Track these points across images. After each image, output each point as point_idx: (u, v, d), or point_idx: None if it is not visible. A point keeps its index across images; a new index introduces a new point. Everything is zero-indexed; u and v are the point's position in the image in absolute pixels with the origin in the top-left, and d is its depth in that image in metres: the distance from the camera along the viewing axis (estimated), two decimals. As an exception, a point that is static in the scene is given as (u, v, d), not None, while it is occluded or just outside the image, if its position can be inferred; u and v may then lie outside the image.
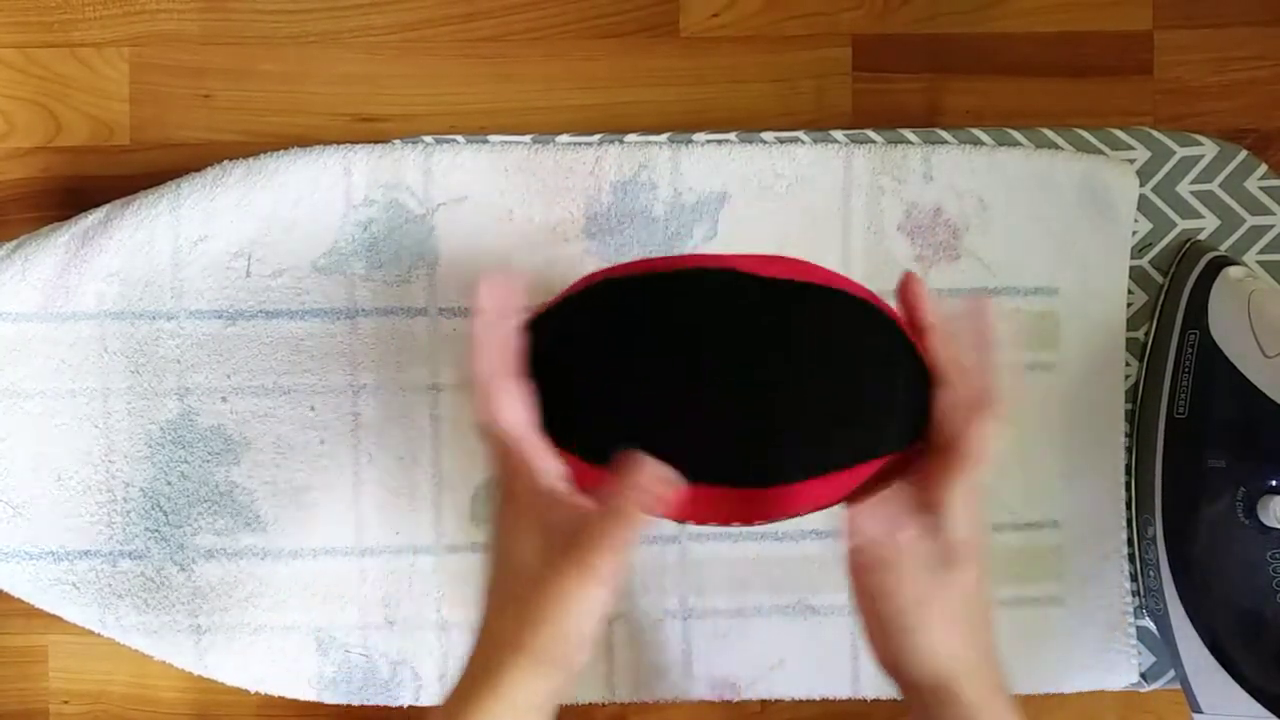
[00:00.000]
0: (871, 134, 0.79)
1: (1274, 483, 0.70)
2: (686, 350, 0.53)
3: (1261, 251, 0.79)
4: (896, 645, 0.55)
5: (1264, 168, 0.79)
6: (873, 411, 0.54)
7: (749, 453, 0.53)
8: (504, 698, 0.52)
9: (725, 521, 0.56)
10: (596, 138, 0.78)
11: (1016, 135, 0.79)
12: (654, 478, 0.52)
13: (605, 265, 0.62)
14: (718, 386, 0.53)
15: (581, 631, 0.52)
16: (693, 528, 0.78)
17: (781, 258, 0.57)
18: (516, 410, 0.54)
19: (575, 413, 0.55)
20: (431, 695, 0.78)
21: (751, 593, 0.78)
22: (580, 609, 0.52)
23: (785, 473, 0.53)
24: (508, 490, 0.55)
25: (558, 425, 0.55)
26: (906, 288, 0.58)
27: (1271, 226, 0.79)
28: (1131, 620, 0.79)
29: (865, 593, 0.56)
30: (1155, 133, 0.79)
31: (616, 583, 0.52)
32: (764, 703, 0.83)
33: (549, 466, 0.54)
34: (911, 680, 0.56)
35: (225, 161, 0.76)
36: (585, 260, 0.77)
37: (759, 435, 0.53)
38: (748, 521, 0.56)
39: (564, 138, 0.78)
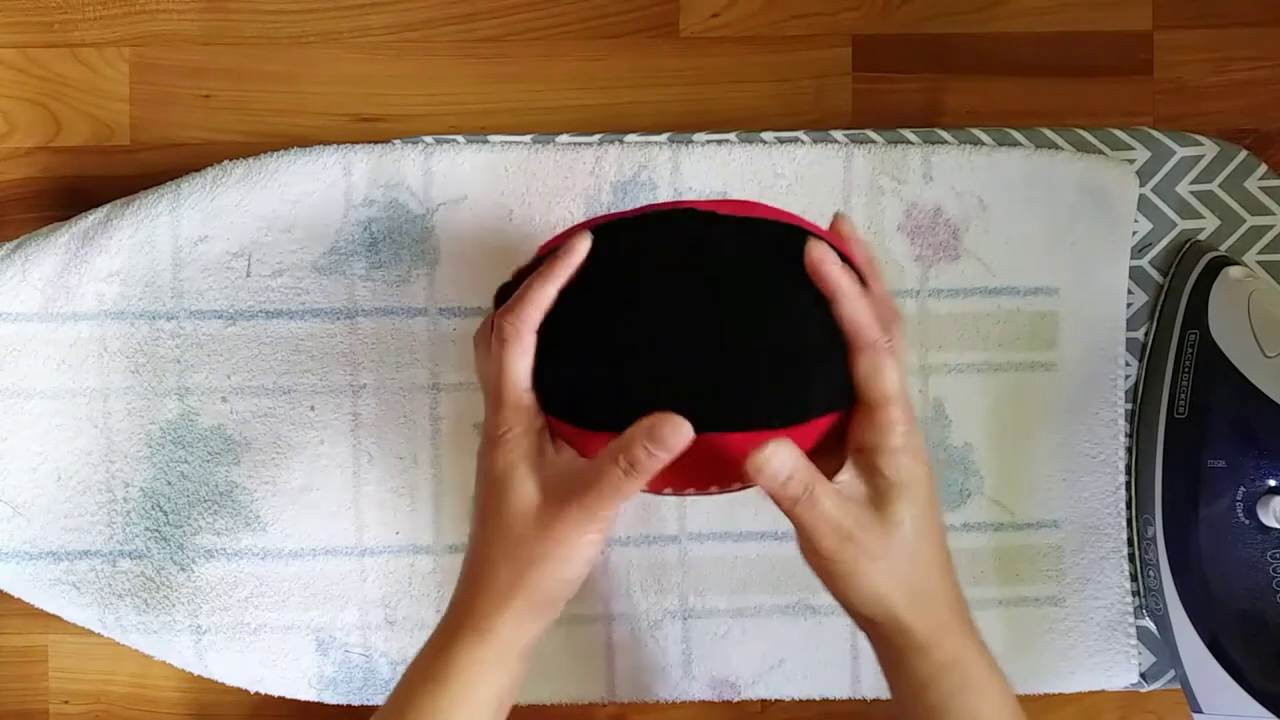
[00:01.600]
0: (871, 134, 0.79)
1: (1274, 483, 0.70)
2: (659, 309, 0.54)
3: (1261, 251, 0.79)
4: (837, 588, 0.56)
5: (1264, 168, 0.79)
6: (840, 365, 0.55)
7: (730, 400, 0.53)
8: (496, 641, 0.55)
9: (703, 486, 0.57)
10: (596, 138, 0.78)
11: (1016, 135, 0.79)
12: (665, 430, 0.52)
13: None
14: (694, 343, 0.53)
15: (577, 576, 0.54)
16: (693, 528, 0.78)
17: (738, 201, 0.58)
18: (526, 365, 0.55)
19: (557, 377, 0.56)
20: (431, 695, 0.78)
21: (751, 593, 0.78)
22: (579, 555, 0.54)
23: (763, 420, 0.54)
24: (498, 439, 0.55)
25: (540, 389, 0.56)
26: (837, 228, 0.60)
27: (1271, 226, 0.79)
28: (1131, 620, 0.79)
29: (802, 536, 0.55)
30: (1155, 133, 0.79)
31: (611, 529, 0.55)
32: (764, 703, 0.83)
33: (537, 421, 0.56)
34: (858, 616, 0.57)
35: (225, 161, 0.76)
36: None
37: (738, 384, 0.53)
38: (724, 484, 0.57)
39: (564, 138, 0.78)
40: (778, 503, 0.54)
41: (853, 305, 0.54)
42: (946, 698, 0.56)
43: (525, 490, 0.54)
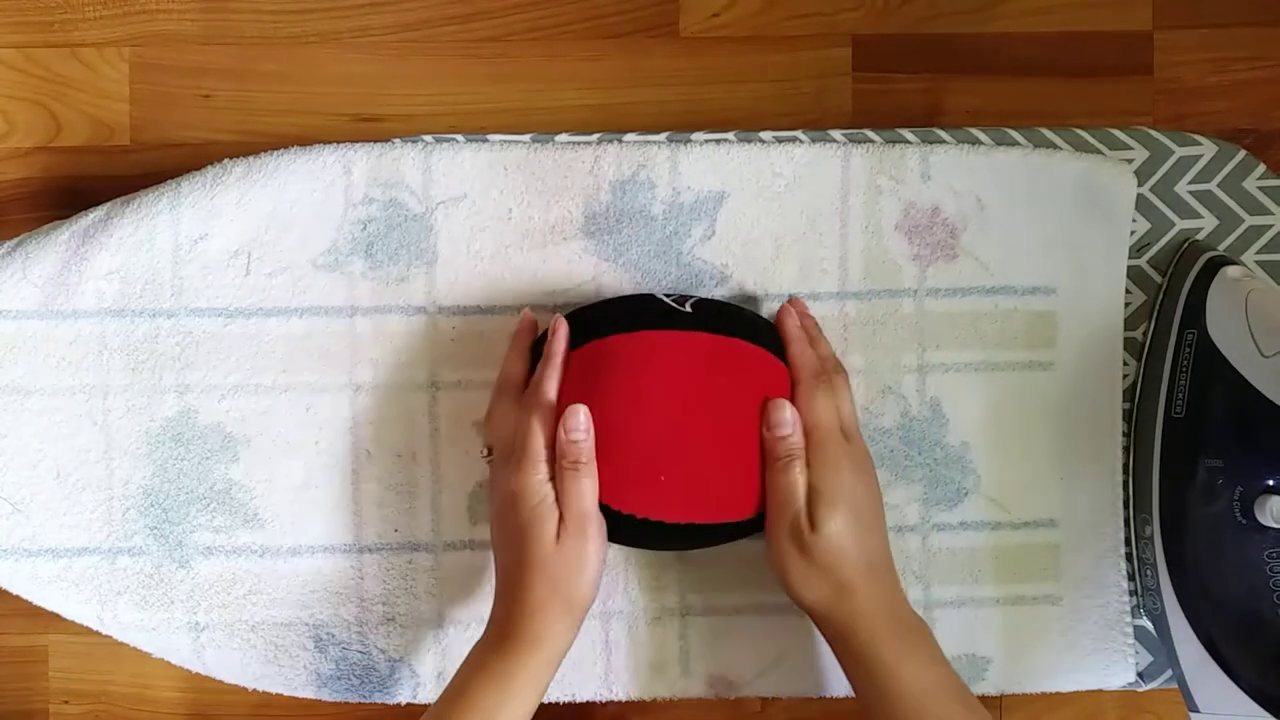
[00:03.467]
0: (870, 133, 0.79)
1: (1271, 482, 0.70)
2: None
3: (1259, 251, 0.79)
4: (777, 572, 0.69)
5: (1262, 167, 0.79)
6: None
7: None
8: (547, 647, 0.66)
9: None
10: (595, 137, 0.78)
11: (1015, 135, 0.79)
12: (575, 425, 0.67)
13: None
14: None
15: (595, 577, 0.67)
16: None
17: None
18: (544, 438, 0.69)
19: None
20: (429, 693, 0.78)
21: (749, 591, 0.78)
22: (591, 560, 0.67)
23: None
24: (522, 490, 0.67)
25: None
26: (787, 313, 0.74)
27: (1270, 226, 0.79)
28: (1129, 620, 0.79)
29: (769, 510, 0.69)
30: (1154, 132, 0.79)
31: (603, 535, 0.68)
32: (764, 701, 0.83)
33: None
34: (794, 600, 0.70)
35: (225, 160, 0.76)
36: (583, 259, 0.77)
37: None
38: None
39: (563, 137, 0.78)
40: (771, 458, 0.69)
41: (799, 348, 0.72)
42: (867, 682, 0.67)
43: (549, 527, 0.67)
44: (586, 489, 0.67)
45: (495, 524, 0.71)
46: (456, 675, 0.68)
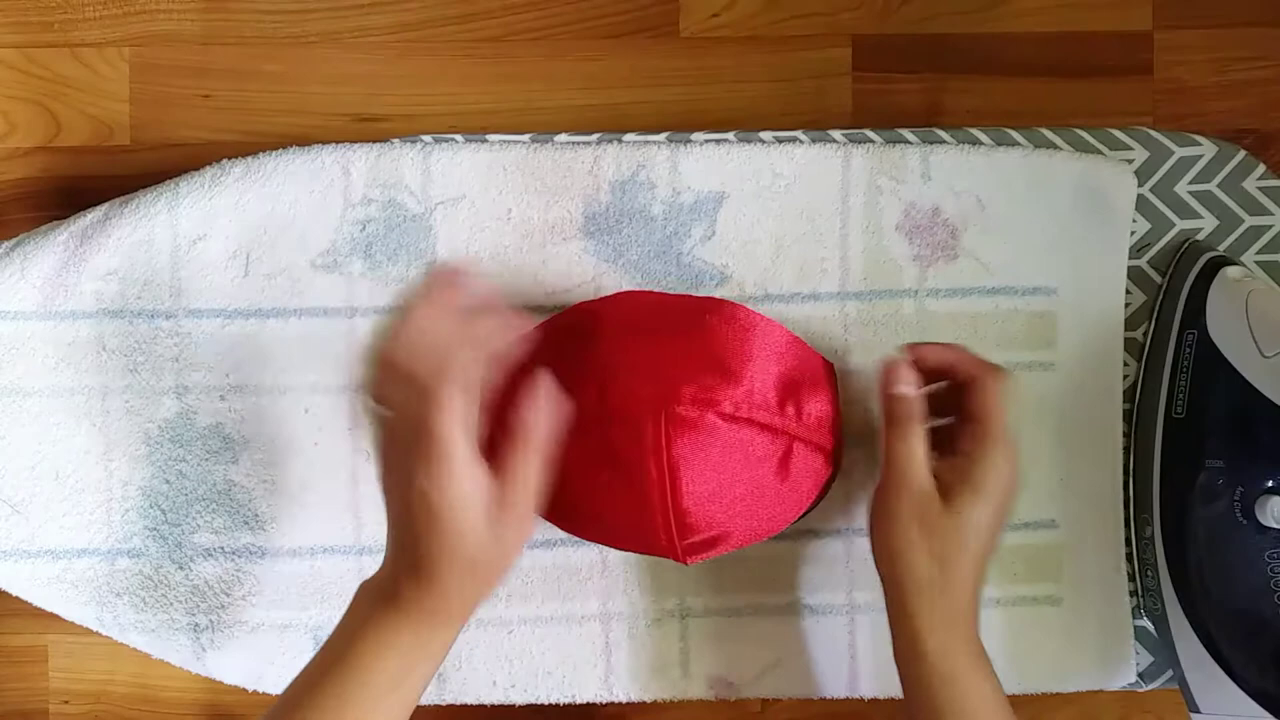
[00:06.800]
0: (870, 134, 0.79)
1: (1271, 483, 0.70)
2: None
3: (1260, 251, 0.79)
4: (873, 529, 0.68)
5: (1262, 168, 0.79)
6: None
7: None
8: (458, 621, 0.62)
9: None
10: (595, 137, 0.78)
11: (1015, 135, 0.79)
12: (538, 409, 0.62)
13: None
14: None
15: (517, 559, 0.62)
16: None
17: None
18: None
19: None
20: (427, 693, 0.78)
21: (749, 592, 0.78)
22: (522, 549, 0.62)
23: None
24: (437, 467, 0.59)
25: None
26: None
27: (1270, 226, 0.79)
28: (1129, 620, 0.79)
29: (884, 472, 0.67)
30: (1154, 133, 0.79)
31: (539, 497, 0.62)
32: (764, 702, 0.83)
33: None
34: (877, 563, 0.69)
35: (224, 160, 0.76)
36: (583, 259, 0.77)
37: None
38: None
39: (562, 137, 0.78)
40: (886, 419, 0.67)
41: (957, 354, 0.69)
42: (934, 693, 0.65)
43: (475, 512, 0.59)
44: (539, 476, 0.62)
45: (397, 492, 0.61)
46: (343, 637, 0.62)
